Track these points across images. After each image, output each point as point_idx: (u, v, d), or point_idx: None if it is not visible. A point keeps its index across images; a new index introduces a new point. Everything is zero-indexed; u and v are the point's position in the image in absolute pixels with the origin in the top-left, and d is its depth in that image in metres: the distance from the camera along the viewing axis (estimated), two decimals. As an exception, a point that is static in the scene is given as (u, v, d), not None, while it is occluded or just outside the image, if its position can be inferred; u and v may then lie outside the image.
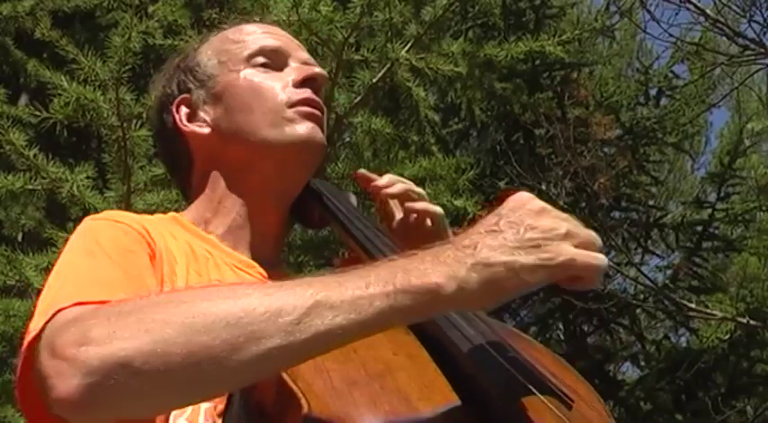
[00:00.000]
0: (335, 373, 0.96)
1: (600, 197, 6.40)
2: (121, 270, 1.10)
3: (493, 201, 1.03)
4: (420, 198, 1.36)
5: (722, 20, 6.37)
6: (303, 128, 1.29)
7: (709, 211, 6.96)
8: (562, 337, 7.29)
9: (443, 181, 4.43)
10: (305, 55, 1.38)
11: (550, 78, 7.01)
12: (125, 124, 3.86)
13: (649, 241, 7.40)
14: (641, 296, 6.83)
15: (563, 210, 1.03)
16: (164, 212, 1.37)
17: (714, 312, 6.23)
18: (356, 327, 0.91)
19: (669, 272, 7.30)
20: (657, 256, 7.71)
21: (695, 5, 6.35)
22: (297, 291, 0.92)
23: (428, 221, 1.34)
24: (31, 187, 3.92)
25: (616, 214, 7.24)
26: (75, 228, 1.22)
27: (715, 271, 7.41)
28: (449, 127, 7.07)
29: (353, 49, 4.35)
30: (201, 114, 1.33)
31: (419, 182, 4.31)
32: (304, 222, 1.42)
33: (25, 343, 1.01)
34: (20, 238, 5.66)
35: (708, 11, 6.36)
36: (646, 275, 6.73)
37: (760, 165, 9.73)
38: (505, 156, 6.62)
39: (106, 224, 1.19)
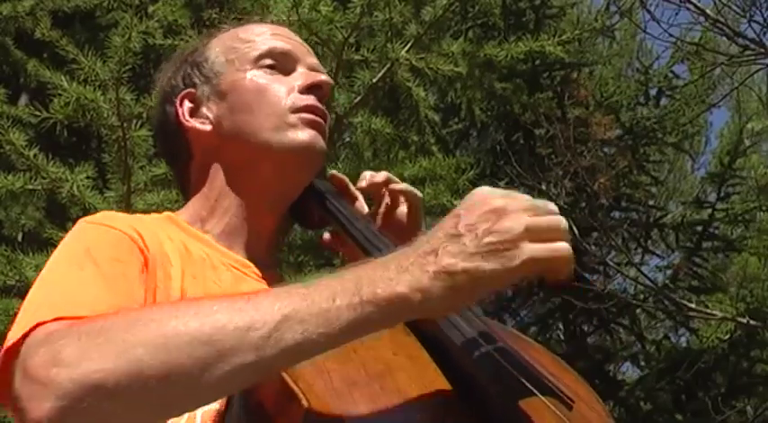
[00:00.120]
0: (336, 374, 0.97)
1: (600, 197, 6.39)
2: (108, 283, 1.08)
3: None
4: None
5: (722, 20, 6.36)
6: (305, 134, 1.28)
7: (710, 211, 6.96)
8: (562, 337, 7.29)
9: (443, 181, 4.44)
10: (314, 61, 1.37)
11: (550, 78, 7.01)
12: (125, 124, 3.86)
13: (649, 241, 7.40)
14: (641, 296, 6.82)
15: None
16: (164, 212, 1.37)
17: (714, 312, 6.23)
18: (325, 339, 0.91)
19: (669, 272, 7.29)
20: (657, 256, 7.71)
21: (695, 5, 6.34)
22: (265, 305, 0.92)
23: (403, 205, 1.34)
24: (31, 187, 3.92)
25: (616, 214, 7.24)
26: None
27: (715, 271, 7.40)
28: (449, 127, 7.07)
29: (353, 49, 4.35)
30: (204, 110, 1.33)
31: (419, 182, 4.35)
32: (303, 223, 1.41)
33: (3, 349, 1.00)
34: (20, 238, 5.66)
35: (708, 11, 6.35)
36: (646, 275, 6.73)
37: (760, 165, 9.73)
38: (505, 156, 6.61)
39: (99, 230, 1.17)
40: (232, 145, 1.30)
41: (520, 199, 0.98)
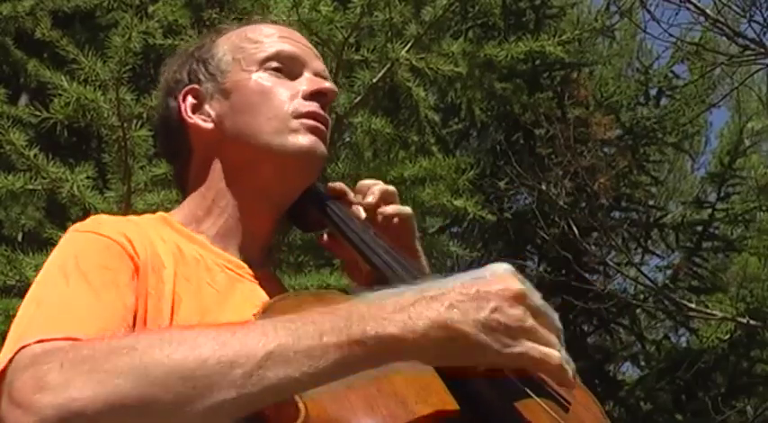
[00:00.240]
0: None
1: (600, 197, 6.39)
2: (96, 295, 1.08)
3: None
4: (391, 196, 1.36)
5: (722, 20, 6.37)
6: (306, 140, 1.28)
7: (710, 211, 6.96)
8: (562, 336, 7.28)
9: (443, 181, 4.43)
10: (320, 66, 1.37)
11: (550, 78, 7.01)
12: (125, 124, 3.85)
13: (649, 241, 7.40)
14: (641, 296, 6.82)
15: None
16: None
17: (714, 312, 6.23)
18: (308, 378, 0.91)
19: (669, 272, 7.29)
20: (657, 256, 7.71)
21: (695, 5, 6.35)
22: (251, 340, 0.92)
23: (395, 220, 1.34)
24: (31, 187, 3.92)
25: (616, 214, 7.23)
26: (74, 228, 1.22)
27: (715, 271, 7.39)
28: (449, 127, 7.07)
29: (353, 49, 4.35)
30: (207, 108, 1.32)
31: (419, 182, 4.35)
32: (300, 225, 1.41)
33: None
34: (20, 238, 5.65)
35: (708, 11, 6.35)
36: (646, 275, 6.74)
37: (760, 165, 9.73)
38: (505, 156, 6.61)
39: (88, 238, 1.17)
40: (233, 145, 1.30)
41: (537, 296, 0.99)
